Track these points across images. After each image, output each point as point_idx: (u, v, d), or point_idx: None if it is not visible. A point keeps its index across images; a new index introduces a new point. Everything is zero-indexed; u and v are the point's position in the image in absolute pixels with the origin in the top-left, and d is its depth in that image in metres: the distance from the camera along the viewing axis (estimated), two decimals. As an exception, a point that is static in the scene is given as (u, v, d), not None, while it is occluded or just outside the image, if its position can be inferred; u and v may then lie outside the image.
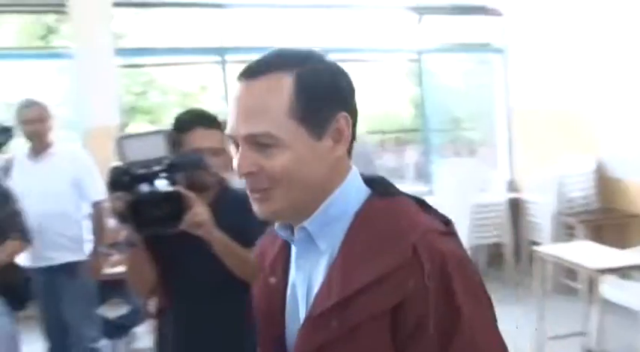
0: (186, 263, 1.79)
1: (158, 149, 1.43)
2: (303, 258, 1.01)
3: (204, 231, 1.60)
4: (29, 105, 3.19)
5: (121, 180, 1.41)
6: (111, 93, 5.20)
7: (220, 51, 5.78)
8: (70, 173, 3.24)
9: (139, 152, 1.41)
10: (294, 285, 1.03)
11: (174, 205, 1.45)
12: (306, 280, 1.00)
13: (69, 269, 3.24)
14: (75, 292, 3.23)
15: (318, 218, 0.97)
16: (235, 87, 0.95)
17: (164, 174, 1.44)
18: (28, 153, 3.27)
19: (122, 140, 1.41)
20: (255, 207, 0.96)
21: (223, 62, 5.77)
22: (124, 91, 5.87)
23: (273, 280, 1.06)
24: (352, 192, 0.99)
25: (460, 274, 0.91)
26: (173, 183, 1.46)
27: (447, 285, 0.89)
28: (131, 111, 6.58)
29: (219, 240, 1.67)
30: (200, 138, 1.82)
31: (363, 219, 0.97)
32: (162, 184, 1.44)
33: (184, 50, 6.08)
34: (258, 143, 0.92)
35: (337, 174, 0.98)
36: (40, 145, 3.24)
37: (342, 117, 0.95)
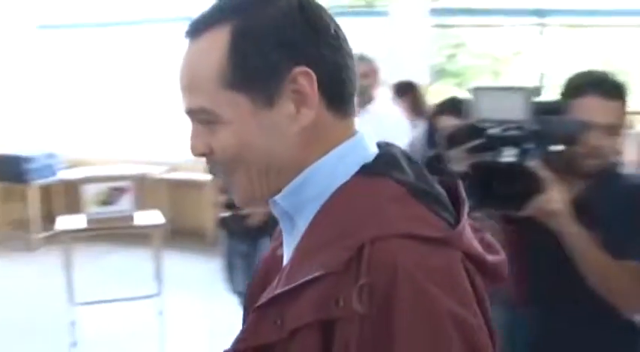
0: (536, 257, 1.43)
1: (517, 110, 1.18)
2: (289, 234, 0.82)
3: (558, 223, 1.29)
4: (359, 59, 3.23)
5: (468, 135, 1.20)
6: (422, 52, 5.25)
7: (540, 12, 5.36)
8: (380, 133, 3.25)
9: (495, 109, 1.18)
10: (284, 261, 0.83)
11: (525, 183, 1.17)
12: (288, 254, 0.81)
13: None
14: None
15: (292, 194, 0.77)
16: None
17: (522, 143, 1.19)
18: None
19: (478, 91, 1.22)
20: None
21: (542, 25, 5.37)
22: (434, 52, 5.88)
23: (280, 251, 0.87)
24: (340, 168, 0.76)
25: (413, 304, 0.65)
26: (525, 155, 1.20)
27: (387, 313, 0.65)
28: (439, 73, 6.58)
29: (576, 238, 1.30)
30: (593, 109, 1.39)
31: (336, 201, 0.74)
32: (509, 154, 1.20)
33: (500, 11, 5.82)
34: (199, 120, 0.76)
35: (317, 144, 0.76)
36: (362, 101, 3.09)
37: (300, 73, 0.72)
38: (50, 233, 5.71)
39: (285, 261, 0.81)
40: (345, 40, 0.77)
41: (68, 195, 6.27)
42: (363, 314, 0.65)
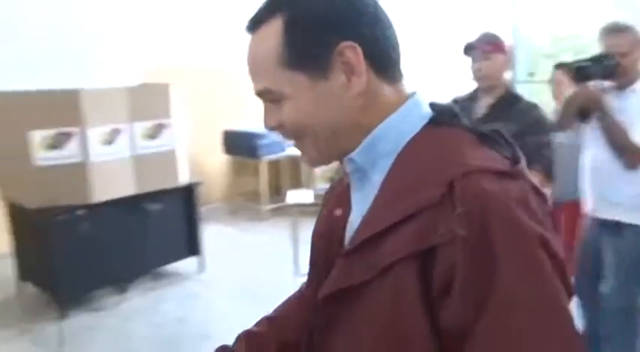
0: None
1: None
2: (359, 190, 0.92)
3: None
4: (616, 30, 2.62)
5: None
6: None
7: None
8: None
9: None
10: (352, 220, 0.94)
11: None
12: (360, 215, 0.89)
13: (616, 229, 2.64)
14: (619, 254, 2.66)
15: (365, 151, 0.89)
16: None
17: None
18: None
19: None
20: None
21: None
22: None
23: (339, 212, 0.99)
24: (407, 124, 0.89)
25: (508, 225, 0.74)
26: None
27: (483, 236, 0.73)
28: None
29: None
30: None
31: (410, 150, 0.87)
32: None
33: None
34: (267, 99, 0.90)
35: (374, 107, 0.88)
36: (623, 78, 2.59)
37: (346, 47, 0.84)
38: (278, 205, 6.08)
39: (356, 214, 0.91)
40: (383, 14, 0.89)
41: (293, 170, 6.61)
42: (464, 237, 0.73)
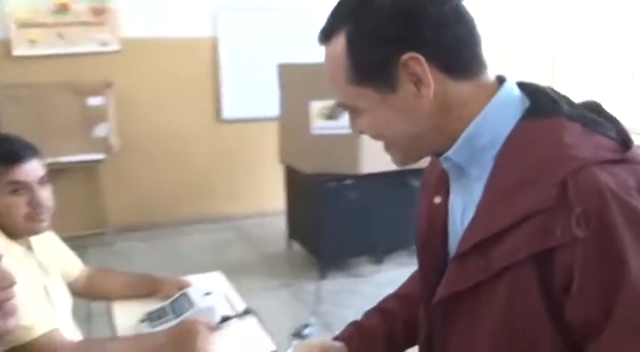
0: None
1: None
2: (458, 182, 0.93)
3: None
4: None
5: None
6: None
7: None
8: None
9: None
10: (453, 207, 0.94)
11: None
12: (460, 206, 0.91)
13: None
14: None
15: (461, 150, 0.87)
16: None
17: None
18: None
19: None
20: None
21: None
22: None
23: (438, 200, 0.98)
24: (502, 116, 0.85)
25: (628, 215, 0.72)
26: None
27: (606, 231, 0.72)
28: None
29: None
30: None
31: (512, 145, 0.84)
32: None
33: None
34: (346, 110, 0.93)
35: (452, 109, 0.85)
36: None
37: (408, 58, 0.82)
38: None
39: (459, 203, 0.92)
40: (452, 10, 0.82)
41: None
42: (583, 237, 0.72)
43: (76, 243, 1.97)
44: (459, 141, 0.87)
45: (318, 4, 5.56)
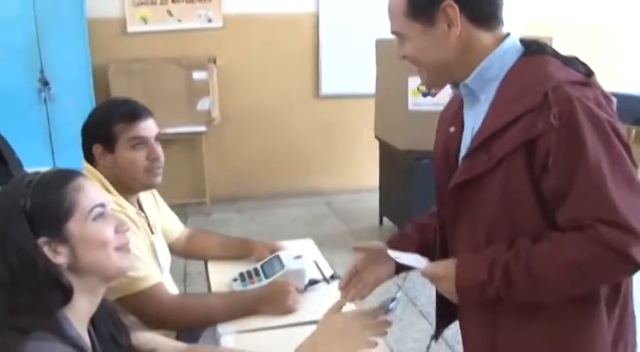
0: None
1: None
2: (471, 108, 1.27)
3: None
4: None
5: None
6: None
7: None
8: None
9: None
10: (465, 129, 1.29)
11: None
12: (471, 125, 1.26)
13: None
14: None
15: (476, 78, 1.22)
16: None
17: None
18: None
19: None
20: None
21: None
22: None
23: (452, 129, 1.33)
24: (506, 57, 1.21)
25: (587, 115, 1.08)
26: None
27: (572, 123, 1.08)
28: None
29: None
30: None
31: (512, 74, 1.20)
32: None
33: None
34: (398, 37, 1.27)
35: (476, 51, 1.21)
36: None
37: (447, 6, 1.17)
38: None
39: (468, 126, 1.27)
40: None
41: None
42: (558, 127, 1.08)
43: (176, 210, 2.09)
44: (474, 72, 1.22)
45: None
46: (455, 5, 1.16)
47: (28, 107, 4.48)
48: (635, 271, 1.11)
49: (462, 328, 1.40)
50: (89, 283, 1.11)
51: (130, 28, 5.09)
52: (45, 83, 4.52)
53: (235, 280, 1.86)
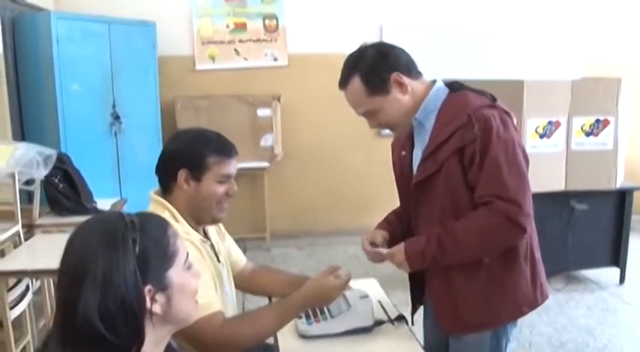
0: None
1: None
2: (419, 135, 1.81)
3: None
4: None
5: None
6: None
7: None
8: None
9: None
10: (416, 153, 1.83)
11: None
12: (421, 147, 1.78)
13: None
14: None
15: (422, 112, 1.76)
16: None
17: None
18: None
19: None
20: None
21: None
22: None
23: (404, 152, 1.89)
24: (438, 95, 1.76)
25: (496, 129, 1.65)
26: None
27: (487, 134, 1.64)
28: None
29: None
30: None
31: (444, 106, 1.74)
32: None
33: None
34: (366, 115, 1.80)
35: (418, 96, 1.76)
36: None
37: (394, 76, 1.72)
38: None
39: (418, 148, 1.83)
40: (399, 50, 1.79)
41: None
42: (480, 136, 1.63)
43: (237, 245, 2.10)
44: (420, 109, 1.76)
45: (479, 20, 5.49)
46: (398, 73, 1.71)
47: (100, 140, 4.68)
48: (524, 234, 1.66)
49: (428, 290, 1.91)
50: (162, 333, 1.04)
51: (199, 66, 5.28)
52: (116, 117, 4.71)
53: (300, 317, 1.84)
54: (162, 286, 1.00)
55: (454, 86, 1.78)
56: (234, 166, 1.76)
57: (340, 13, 5.43)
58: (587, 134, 4.00)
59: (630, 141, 5.22)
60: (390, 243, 1.90)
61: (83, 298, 0.92)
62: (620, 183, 4.13)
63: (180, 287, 1.03)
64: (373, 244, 1.89)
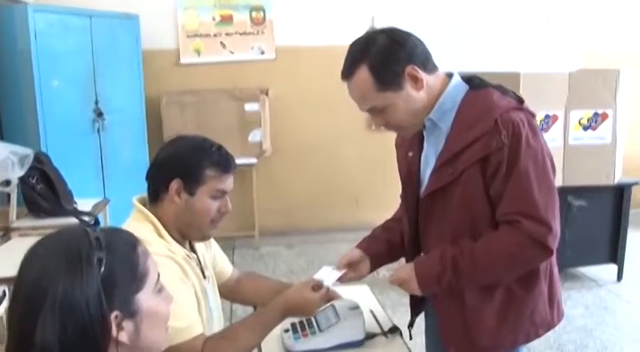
0: None
1: None
2: (432, 136, 1.57)
3: None
4: None
5: None
6: None
7: None
8: None
9: None
10: (426, 155, 1.59)
11: None
12: (433, 151, 1.55)
13: None
14: None
15: (436, 112, 1.52)
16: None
17: None
18: None
19: None
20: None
21: None
22: None
23: (411, 153, 1.64)
24: (456, 92, 1.52)
25: (525, 137, 1.43)
26: None
27: (516, 142, 1.42)
28: None
29: None
30: None
31: (464, 106, 1.50)
32: None
33: None
34: (373, 112, 1.53)
35: (433, 93, 1.51)
36: None
37: (409, 69, 1.46)
38: None
39: (429, 150, 1.59)
40: (417, 39, 1.51)
41: None
42: (508, 144, 1.41)
43: (224, 243, 2.00)
44: (435, 108, 1.52)
45: (474, 11, 5.37)
46: (413, 65, 1.46)
47: (82, 137, 4.52)
48: (551, 256, 1.51)
49: (435, 307, 1.68)
50: None
51: (184, 60, 5.12)
52: (99, 114, 4.55)
53: (287, 331, 1.72)
54: (130, 312, 0.89)
55: (474, 82, 1.53)
56: (230, 183, 1.62)
57: (329, 3, 5.28)
58: (585, 128, 3.90)
59: (627, 135, 5.13)
60: (372, 265, 1.80)
61: (40, 326, 0.82)
62: (618, 178, 4.03)
63: (150, 313, 0.92)
64: (353, 264, 1.80)
